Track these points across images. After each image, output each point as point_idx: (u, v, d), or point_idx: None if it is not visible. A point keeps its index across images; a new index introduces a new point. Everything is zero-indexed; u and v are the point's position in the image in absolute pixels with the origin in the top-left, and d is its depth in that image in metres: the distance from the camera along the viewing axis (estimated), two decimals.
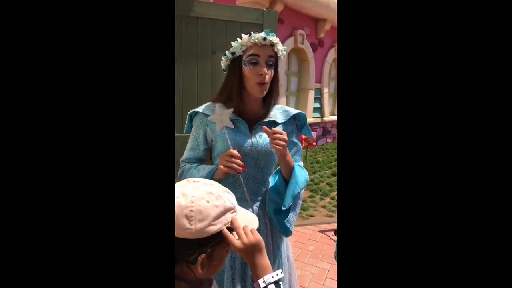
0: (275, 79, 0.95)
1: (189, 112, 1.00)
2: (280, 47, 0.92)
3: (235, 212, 0.58)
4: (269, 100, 0.97)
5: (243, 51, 0.89)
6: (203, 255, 0.52)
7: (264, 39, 0.87)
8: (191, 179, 0.58)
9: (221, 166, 0.86)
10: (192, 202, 0.52)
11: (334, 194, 3.50)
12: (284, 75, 5.33)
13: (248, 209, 0.94)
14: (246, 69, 0.89)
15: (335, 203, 3.22)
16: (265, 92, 0.92)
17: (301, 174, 0.96)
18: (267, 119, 0.96)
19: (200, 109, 0.97)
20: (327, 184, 3.80)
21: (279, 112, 0.99)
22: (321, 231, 2.58)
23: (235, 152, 0.86)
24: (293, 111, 1.01)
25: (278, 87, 0.97)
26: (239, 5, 2.81)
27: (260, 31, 0.92)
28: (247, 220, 0.59)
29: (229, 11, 1.51)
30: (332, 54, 6.29)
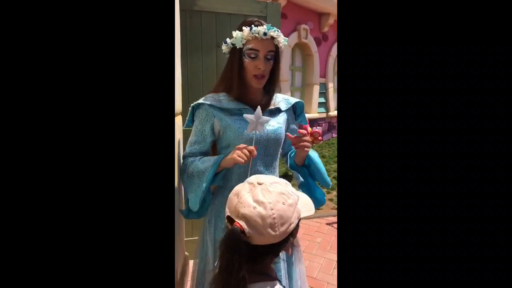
0: (276, 70, 0.97)
1: (192, 105, 0.99)
2: (281, 39, 0.94)
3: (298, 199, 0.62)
4: (271, 88, 0.99)
5: (243, 44, 0.91)
6: (288, 250, 0.59)
7: (265, 34, 0.89)
8: (254, 181, 0.59)
9: (236, 156, 0.85)
10: (272, 209, 0.54)
11: None
12: (289, 70, 5.32)
13: None
14: (246, 61, 0.91)
15: None
16: (262, 84, 0.94)
17: (313, 154, 1.05)
18: (272, 107, 0.99)
19: (204, 100, 0.96)
20: (334, 178, 3.80)
21: (281, 100, 1.03)
22: (328, 224, 2.59)
23: (255, 150, 0.86)
24: (293, 99, 1.05)
25: (279, 76, 1.00)
26: None
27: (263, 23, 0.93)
28: (305, 204, 0.64)
29: (232, 4, 1.52)
30: (336, 49, 6.25)
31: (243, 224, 0.53)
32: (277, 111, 1.00)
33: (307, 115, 5.26)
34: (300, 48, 5.59)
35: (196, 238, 1.39)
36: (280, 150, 1.03)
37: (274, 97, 1.01)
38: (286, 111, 1.03)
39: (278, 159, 1.03)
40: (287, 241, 0.58)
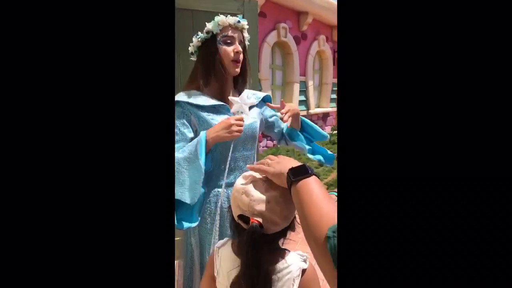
0: (245, 64, 1.00)
1: None
2: (246, 34, 0.98)
3: None
4: (241, 84, 1.01)
5: (220, 30, 0.92)
6: (294, 229, 0.63)
7: (238, 22, 0.92)
8: (255, 176, 0.62)
9: (232, 131, 0.84)
10: (282, 199, 0.58)
11: (322, 183, 3.58)
12: (269, 69, 5.34)
13: None
14: (222, 47, 0.92)
15: None
16: (238, 70, 0.97)
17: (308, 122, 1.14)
18: None
19: (179, 97, 0.94)
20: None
21: (251, 96, 1.06)
22: None
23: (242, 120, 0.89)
24: (261, 94, 1.10)
25: (248, 71, 1.04)
26: None
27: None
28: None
29: (208, 2, 1.51)
30: (315, 47, 6.34)
31: (260, 220, 0.57)
32: (250, 106, 1.02)
33: None
34: (280, 46, 5.63)
35: (178, 238, 1.37)
36: (261, 142, 1.08)
37: (243, 93, 1.04)
38: (258, 105, 1.07)
39: (255, 153, 1.04)
40: (294, 221, 0.63)
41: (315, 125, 1.14)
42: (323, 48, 6.56)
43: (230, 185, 0.96)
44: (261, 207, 0.58)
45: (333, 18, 6.27)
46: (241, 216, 0.60)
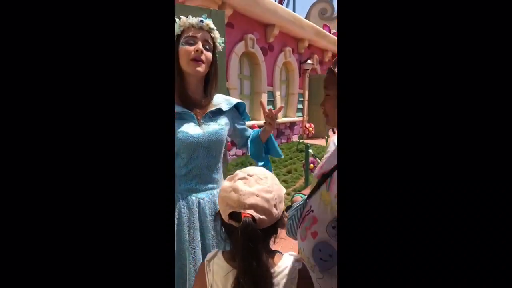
0: (213, 67, 0.99)
1: None
2: (217, 35, 0.97)
3: None
4: (209, 88, 1.01)
5: (181, 31, 0.92)
6: (284, 226, 0.65)
7: (201, 21, 0.91)
8: (244, 174, 0.62)
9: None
10: (272, 192, 0.61)
11: (290, 190, 3.64)
12: (237, 79, 5.40)
13: (198, 198, 0.96)
14: (182, 48, 0.92)
15: (290, 198, 3.35)
16: (201, 69, 0.95)
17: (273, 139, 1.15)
18: (213, 108, 1.00)
19: None
20: (283, 181, 3.94)
21: (222, 101, 1.05)
22: None
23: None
24: (235, 100, 1.09)
25: (217, 75, 1.02)
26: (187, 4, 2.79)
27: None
28: None
29: (176, 10, 1.50)
30: (282, 59, 6.54)
31: (252, 212, 0.57)
32: (219, 112, 1.02)
33: (256, 122, 5.39)
34: (248, 57, 5.73)
35: None
36: (225, 150, 1.06)
37: (215, 98, 1.03)
38: (229, 112, 1.05)
39: (221, 161, 1.04)
40: (282, 217, 0.64)
41: (276, 142, 1.16)
42: (290, 59, 6.78)
43: (191, 190, 0.96)
44: (252, 199, 0.58)
45: (298, 31, 6.53)
46: (231, 215, 0.60)
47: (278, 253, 0.66)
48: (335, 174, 0.81)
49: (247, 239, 0.56)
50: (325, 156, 0.93)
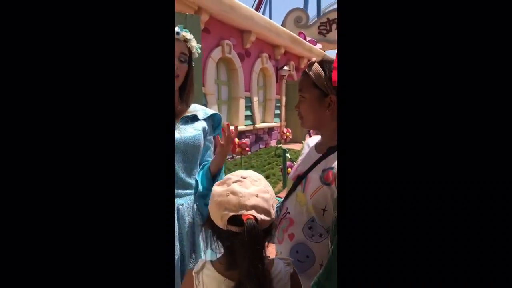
0: (189, 75, 0.99)
1: None
2: (194, 43, 0.96)
3: None
4: (185, 95, 1.00)
5: None
6: (276, 227, 0.66)
7: (177, 33, 0.90)
8: (238, 177, 0.61)
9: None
10: (268, 192, 0.62)
11: None
12: (214, 84, 5.38)
13: (177, 205, 0.94)
14: None
15: None
16: (177, 84, 0.95)
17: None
18: (189, 114, 0.99)
19: None
20: None
21: (198, 109, 1.05)
22: None
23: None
24: (210, 111, 1.08)
25: (192, 83, 1.02)
26: None
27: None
28: None
29: None
30: (259, 64, 6.61)
31: (254, 213, 0.57)
32: (194, 118, 1.01)
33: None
34: (225, 62, 5.74)
35: None
36: (200, 157, 1.04)
37: (191, 106, 1.02)
38: (205, 120, 1.05)
39: (198, 166, 1.03)
40: (274, 218, 0.64)
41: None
42: (267, 65, 6.87)
43: None
44: (252, 200, 0.58)
45: (275, 38, 6.64)
46: (231, 219, 0.57)
47: (269, 257, 0.65)
48: (310, 175, 0.83)
49: (254, 241, 0.55)
50: (300, 158, 0.95)
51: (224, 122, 1.02)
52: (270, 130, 7.37)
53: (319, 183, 0.79)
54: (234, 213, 0.57)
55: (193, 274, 0.63)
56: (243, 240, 0.55)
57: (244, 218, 0.56)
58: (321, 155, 0.84)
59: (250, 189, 0.59)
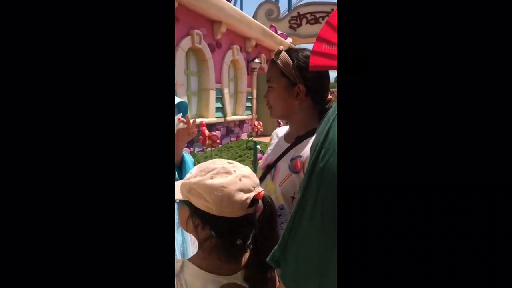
0: None
1: None
2: None
3: None
4: None
5: None
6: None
7: None
8: (226, 167, 0.59)
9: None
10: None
11: None
12: (184, 75, 5.23)
13: None
14: None
15: None
16: None
17: (189, 158, 1.05)
18: None
19: None
20: None
21: None
22: None
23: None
24: (177, 99, 1.07)
25: None
26: None
27: None
28: None
29: None
30: (230, 56, 6.53)
31: (259, 189, 0.59)
32: None
33: (204, 120, 5.30)
34: (195, 53, 5.60)
35: None
36: None
37: None
38: None
39: None
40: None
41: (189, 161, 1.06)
42: (237, 57, 6.81)
43: None
44: (256, 177, 0.61)
45: (246, 30, 6.59)
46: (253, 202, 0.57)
47: None
48: (279, 164, 0.84)
49: (274, 212, 0.58)
50: (269, 148, 0.96)
51: (187, 116, 1.01)
52: (241, 123, 7.36)
53: (288, 172, 0.80)
54: (254, 194, 0.57)
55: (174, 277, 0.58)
56: (263, 219, 0.57)
57: (260, 196, 0.57)
58: (289, 144, 0.85)
59: (245, 168, 0.60)
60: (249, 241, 0.59)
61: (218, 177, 0.56)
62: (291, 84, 0.81)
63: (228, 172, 0.57)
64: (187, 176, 0.60)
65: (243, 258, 0.61)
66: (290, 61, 0.80)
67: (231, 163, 0.61)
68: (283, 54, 0.81)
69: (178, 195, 0.59)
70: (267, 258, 0.43)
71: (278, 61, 0.80)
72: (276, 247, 0.42)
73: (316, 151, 0.38)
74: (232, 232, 0.57)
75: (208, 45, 5.69)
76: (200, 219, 0.57)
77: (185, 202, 0.59)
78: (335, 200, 0.34)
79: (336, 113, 0.39)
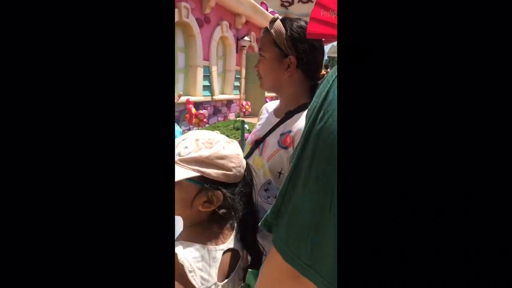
0: None
1: None
2: None
3: None
4: None
5: None
6: None
7: None
8: (215, 138, 0.60)
9: None
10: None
11: None
12: None
13: None
14: None
15: None
16: None
17: (177, 130, 1.02)
18: None
19: None
20: None
21: None
22: None
23: None
24: None
25: None
26: None
27: None
28: None
29: None
30: (219, 32, 6.32)
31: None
32: None
33: (191, 98, 5.19)
34: (182, 27, 5.37)
35: None
36: None
37: None
38: None
39: None
40: None
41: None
42: (226, 34, 6.60)
43: None
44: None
45: (236, 6, 6.35)
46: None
47: None
48: (268, 139, 0.82)
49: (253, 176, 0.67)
50: (258, 123, 0.93)
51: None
52: (229, 102, 7.25)
53: (277, 147, 0.79)
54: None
55: (180, 263, 0.54)
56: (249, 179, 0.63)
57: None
58: (279, 119, 0.83)
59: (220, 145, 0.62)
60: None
61: (228, 146, 0.59)
62: (283, 54, 0.77)
63: (229, 142, 0.61)
64: (183, 151, 0.56)
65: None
66: (284, 31, 0.76)
67: (219, 135, 0.62)
68: (277, 22, 0.77)
69: (185, 174, 0.54)
70: (259, 223, 0.42)
71: (272, 30, 0.76)
72: (268, 212, 0.41)
73: (314, 113, 0.37)
74: (233, 198, 0.59)
75: (196, 19, 5.46)
76: (213, 191, 0.57)
77: (191, 180, 0.55)
78: (331, 162, 0.33)
79: (336, 74, 0.37)
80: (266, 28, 0.79)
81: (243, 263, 0.65)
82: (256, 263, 0.67)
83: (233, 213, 0.59)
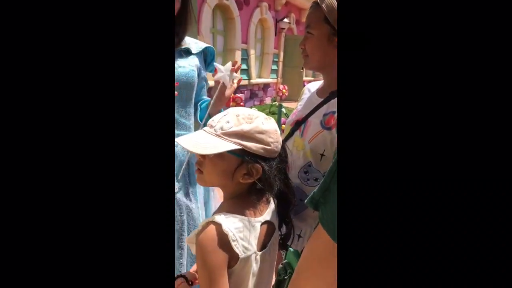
0: (184, 11, 0.92)
1: None
2: None
3: None
4: (182, 26, 0.93)
5: None
6: None
7: None
8: (254, 114, 0.60)
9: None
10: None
11: None
12: (210, 33, 5.08)
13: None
14: None
15: None
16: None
17: None
18: (182, 47, 0.94)
19: None
20: None
21: (190, 42, 0.98)
22: None
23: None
24: (203, 44, 1.01)
25: (191, 11, 0.95)
26: None
27: None
28: None
29: None
30: (258, 15, 6.21)
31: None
32: (187, 52, 0.95)
33: None
34: (221, 10, 5.37)
35: None
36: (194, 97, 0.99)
37: (183, 38, 0.95)
38: (197, 55, 0.98)
39: (192, 105, 0.99)
40: None
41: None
42: (266, 16, 6.46)
43: None
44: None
45: None
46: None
47: None
48: (310, 119, 0.79)
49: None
50: (300, 104, 0.90)
51: (236, 63, 0.93)
52: (265, 86, 7.20)
53: (319, 128, 0.76)
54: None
55: (224, 231, 0.54)
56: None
57: None
58: (322, 99, 0.79)
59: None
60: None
61: (267, 122, 0.60)
62: (333, 32, 0.72)
63: (267, 118, 0.62)
64: (225, 125, 0.57)
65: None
66: (337, 6, 0.70)
67: (258, 111, 0.63)
68: None
69: (227, 146, 0.55)
70: (306, 200, 0.40)
71: (323, 5, 0.71)
72: (316, 189, 0.39)
73: None
74: (270, 172, 0.60)
75: (236, 2, 5.41)
76: (253, 164, 0.58)
77: (233, 152, 0.57)
78: None
79: None
80: (316, 2, 0.74)
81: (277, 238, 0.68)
82: (286, 240, 0.70)
83: (269, 187, 0.60)
